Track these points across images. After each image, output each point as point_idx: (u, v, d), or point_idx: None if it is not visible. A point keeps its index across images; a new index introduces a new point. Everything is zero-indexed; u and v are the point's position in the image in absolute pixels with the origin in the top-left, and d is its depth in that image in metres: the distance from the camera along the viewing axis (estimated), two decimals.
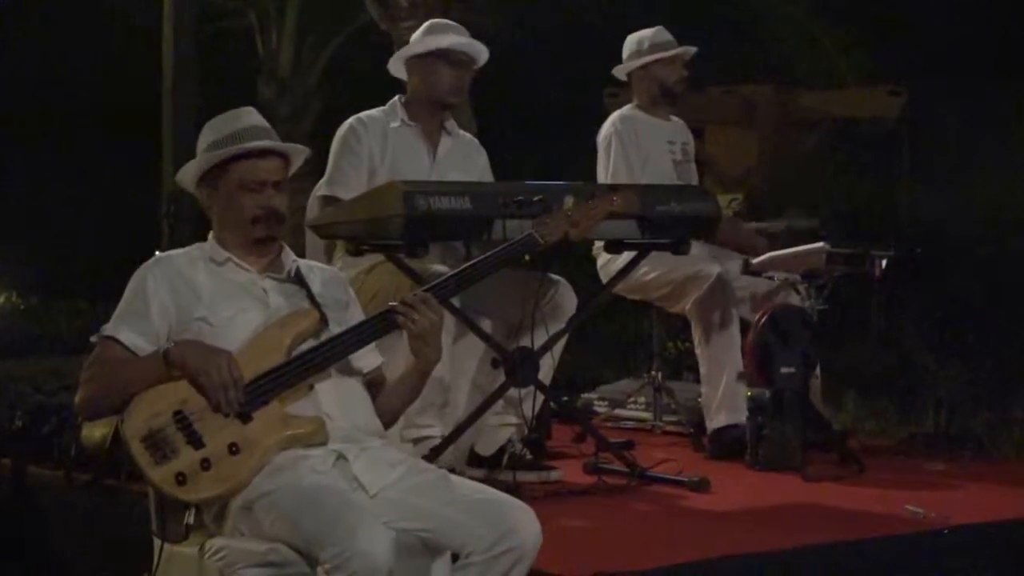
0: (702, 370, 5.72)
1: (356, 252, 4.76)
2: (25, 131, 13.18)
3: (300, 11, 12.75)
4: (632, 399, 6.41)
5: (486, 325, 4.94)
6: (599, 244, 5.53)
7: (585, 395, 6.67)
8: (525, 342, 4.81)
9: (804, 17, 11.63)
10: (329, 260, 4.93)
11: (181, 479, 3.25)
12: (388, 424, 3.59)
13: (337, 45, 12.89)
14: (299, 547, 3.17)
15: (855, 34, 11.51)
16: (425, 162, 5.07)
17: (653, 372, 6.24)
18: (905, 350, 8.67)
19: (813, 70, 11.33)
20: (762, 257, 5.74)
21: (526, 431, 5.04)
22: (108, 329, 3.44)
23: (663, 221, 4.92)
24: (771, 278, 5.76)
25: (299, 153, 3.65)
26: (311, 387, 3.41)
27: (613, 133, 5.92)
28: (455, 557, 3.26)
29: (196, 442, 3.27)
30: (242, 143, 3.51)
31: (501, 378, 4.85)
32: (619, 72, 6.11)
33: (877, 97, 9.80)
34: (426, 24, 5.21)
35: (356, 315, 3.63)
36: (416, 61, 5.10)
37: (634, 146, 5.90)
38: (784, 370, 5.32)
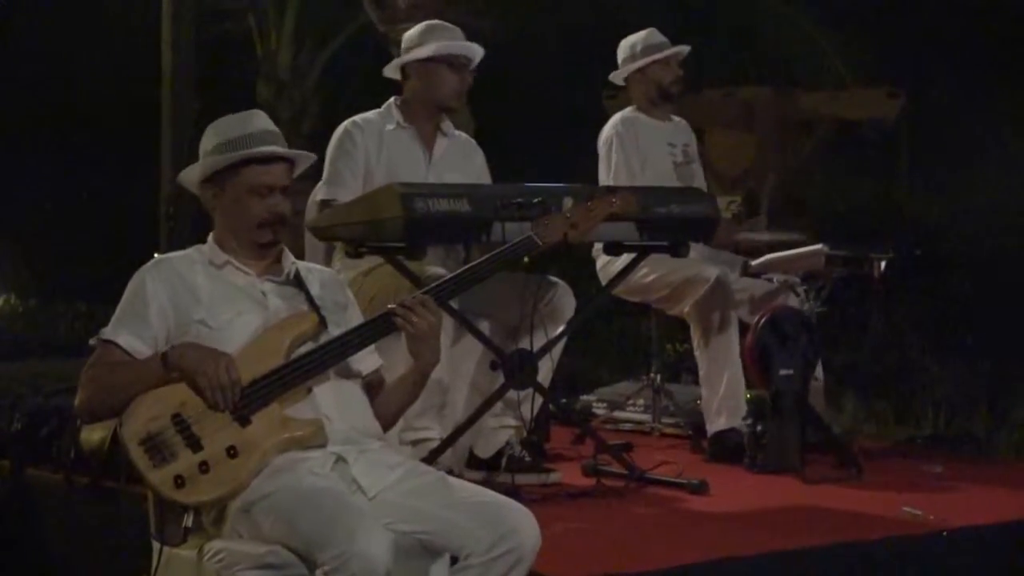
0: (701, 372, 5.72)
1: (355, 254, 4.76)
2: (24, 133, 13.18)
3: (299, 13, 12.76)
4: (631, 401, 6.41)
5: (485, 327, 4.94)
6: (598, 246, 5.53)
7: (584, 397, 6.66)
8: (524, 344, 4.81)
9: (803, 19, 11.64)
10: (329, 262, 4.93)
11: (180, 482, 3.25)
12: (387, 426, 3.59)
13: (336, 47, 12.90)
14: (298, 549, 3.17)
15: (854, 36, 11.52)
16: (421, 164, 5.06)
17: (652, 374, 6.24)
18: (904, 352, 8.67)
19: (812, 72, 11.33)
20: (761, 259, 5.74)
21: (525, 433, 5.04)
22: (107, 332, 3.44)
23: (662, 223, 4.92)
24: (770, 280, 5.76)
25: (307, 160, 3.67)
26: (310, 389, 3.41)
27: (614, 135, 5.92)
28: (454, 559, 3.26)
29: (195, 445, 3.27)
30: (256, 146, 3.51)
31: (500, 380, 4.85)
32: (616, 77, 6.11)
33: (876, 99, 9.80)
34: (423, 26, 5.17)
35: (355, 317, 3.63)
36: (417, 64, 5.08)
37: (634, 148, 5.90)
38: (783, 372, 5.32)
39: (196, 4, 12.35)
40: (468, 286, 3.68)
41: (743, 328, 5.64)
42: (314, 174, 4.85)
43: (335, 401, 3.44)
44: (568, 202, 4.33)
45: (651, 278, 5.75)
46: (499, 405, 4.92)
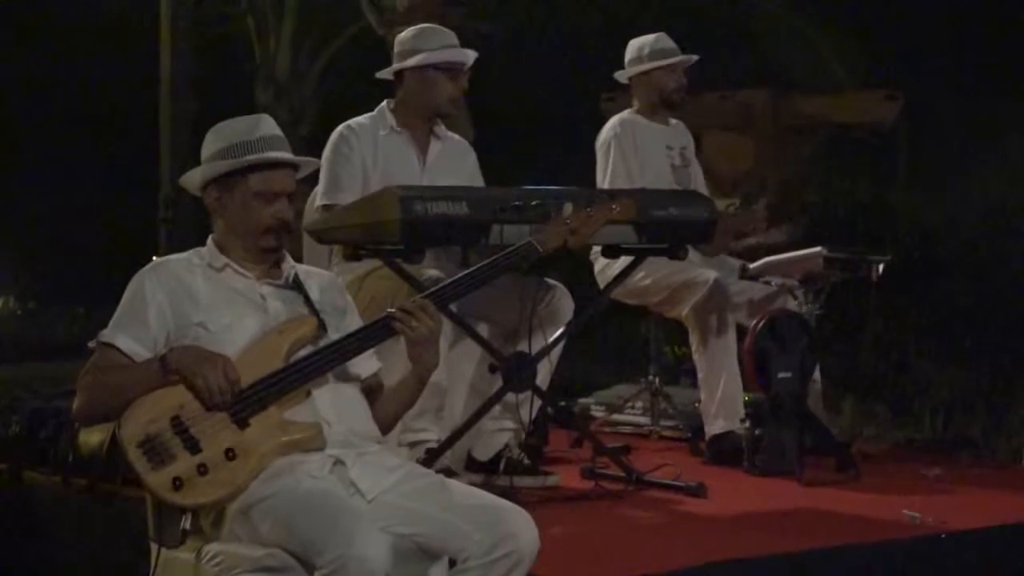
0: (699, 375, 5.72)
1: (353, 256, 4.76)
2: (23, 136, 13.19)
3: (298, 17, 12.77)
4: (629, 404, 6.41)
5: (483, 330, 4.94)
6: (596, 249, 5.54)
7: (582, 400, 6.66)
8: (522, 347, 4.81)
9: (801, 22, 11.65)
10: (329, 265, 4.93)
11: (178, 484, 3.25)
12: (386, 430, 3.59)
13: (334, 50, 12.91)
14: (296, 552, 3.16)
15: (852, 39, 11.53)
16: (416, 168, 5.05)
17: (650, 377, 6.24)
18: (902, 354, 8.67)
19: (810, 75, 11.34)
20: (759, 262, 5.74)
21: (523, 436, 5.04)
22: (106, 335, 3.44)
23: (660, 226, 4.92)
24: (768, 283, 5.76)
25: (311, 166, 3.69)
26: (309, 393, 3.41)
27: (612, 137, 5.92)
28: (452, 562, 3.26)
29: (193, 447, 3.27)
30: (266, 151, 3.51)
31: (498, 383, 4.85)
32: (620, 76, 6.10)
33: (874, 102, 9.81)
34: (415, 31, 5.12)
35: (354, 321, 3.64)
36: (412, 70, 5.06)
37: (632, 151, 5.89)
38: (781, 375, 5.32)
39: (195, 8, 12.38)
40: (467, 291, 3.68)
41: (741, 331, 5.64)
42: (312, 177, 4.85)
43: (334, 404, 3.44)
44: (567, 207, 4.33)
45: (649, 281, 5.75)
46: (497, 408, 4.92)
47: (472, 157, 5.25)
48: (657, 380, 6.23)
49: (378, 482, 3.31)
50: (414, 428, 4.76)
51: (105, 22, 12.96)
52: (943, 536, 4.42)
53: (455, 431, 4.84)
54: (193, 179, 3.60)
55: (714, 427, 5.66)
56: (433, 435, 4.80)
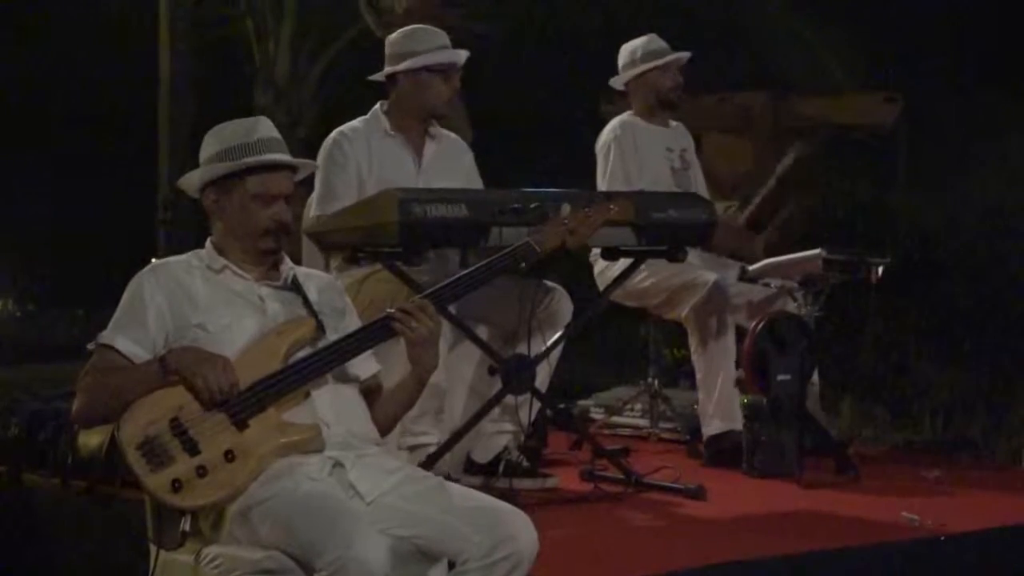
0: (698, 376, 5.73)
1: (352, 259, 4.75)
2: (21, 137, 13.17)
3: (297, 19, 12.76)
4: (628, 406, 6.41)
5: (482, 332, 4.94)
6: (596, 251, 5.54)
7: (581, 402, 6.66)
8: (522, 349, 4.81)
9: (799, 23, 11.65)
10: (327, 268, 4.92)
11: (177, 486, 3.24)
12: (385, 431, 3.59)
13: (334, 53, 12.90)
14: (295, 554, 3.16)
15: (850, 40, 11.52)
16: (412, 171, 5.03)
17: (650, 379, 6.24)
18: (901, 356, 8.67)
19: (808, 77, 11.33)
20: (759, 264, 5.74)
21: (523, 438, 5.04)
22: (105, 337, 3.44)
23: (659, 228, 4.93)
24: (767, 285, 5.76)
25: (309, 168, 3.70)
26: (307, 394, 3.41)
27: (612, 139, 5.93)
28: (451, 564, 3.26)
29: (192, 449, 3.27)
30: (264, 154, 3.51)
31: (497, 385, 4.85)
32: (616, 83, 6.11)
33: (873, 103, 9.80)
34: (408, 31, 5.09)
35: (353, 323, 3.63)
36: (407, 73, 5.03)
37: (632, 153, 5.90)
38: (780, 377, 5.32)
39: (194, 9, 12.37)
40: (466, 291, 3.68)
41: (740, 333, 5.64)
42: (311, 179, 4.84)
43: (333, 406, 3.44)
44: (566, 208, 4.33)
45: (649, 283, 5.75)
46: (497, 410, 4.93)
47: (468, 156, 5.24)
48: (656, 382, 6.23)
49: (377, 484, 3.31)
50: (414, 431, 4.75)
51: (105, 23, 12.93)
52: (942, 538, 4.42)
53: (454, 433, 4.84)
54: (191, 181, 3.60)
55: (711, 427, 5.67)
56: (433, 439, 4.79)
